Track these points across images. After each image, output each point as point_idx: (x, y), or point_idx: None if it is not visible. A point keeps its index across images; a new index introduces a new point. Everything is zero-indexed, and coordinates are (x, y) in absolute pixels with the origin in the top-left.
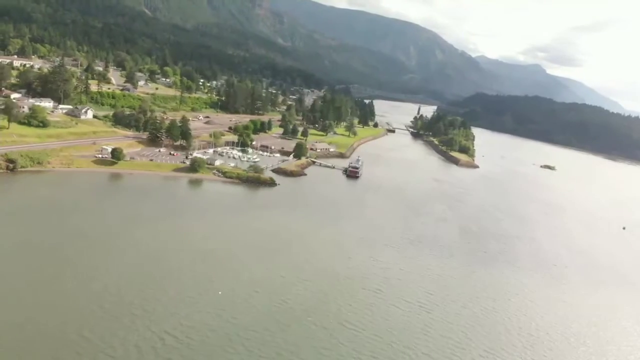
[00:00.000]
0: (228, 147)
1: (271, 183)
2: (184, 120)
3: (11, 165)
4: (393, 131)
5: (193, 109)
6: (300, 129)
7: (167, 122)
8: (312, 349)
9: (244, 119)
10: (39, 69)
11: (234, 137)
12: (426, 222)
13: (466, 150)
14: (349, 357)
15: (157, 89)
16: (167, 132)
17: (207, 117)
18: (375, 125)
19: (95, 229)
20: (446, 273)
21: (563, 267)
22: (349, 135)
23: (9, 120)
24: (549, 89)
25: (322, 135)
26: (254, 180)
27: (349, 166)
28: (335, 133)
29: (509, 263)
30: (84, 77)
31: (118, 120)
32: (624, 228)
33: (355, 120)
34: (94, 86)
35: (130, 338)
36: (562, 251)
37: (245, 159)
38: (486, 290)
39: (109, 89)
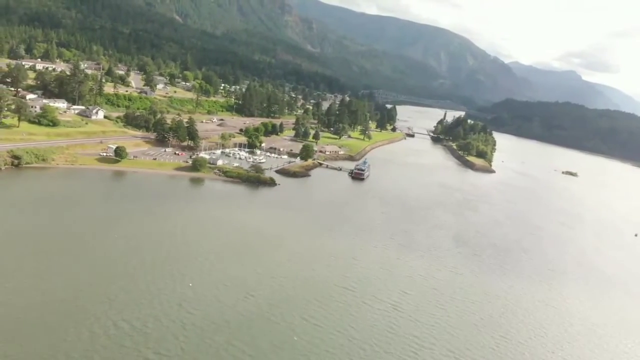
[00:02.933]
0: (236, 149)
1: (271, 183)
2: (191, 121)
3: (16, 161)
4: (412, 136)
5: (209, 112)
6: (312, 131)
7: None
8: (267, 341)
9: (258, 121)
10: (61, 71)
11: (244, 139)
12: (423, 225)
13: (484, 155)
14: (302, 349)
15: (175, 92)
16: (173, 133)
17: (222, 119)
18: (394, 129)
19: (80, 223)
20: (430, 275)
21: (560, 273)
22: (363, 139)
23: (19, 119)
24: (584, 95)
25: (335, 139)
26: (253, 179)
27: (355, 168)
28: (349, 136)
29: (501, 267)
30: (99, 79)
31: (129, 121)
32: (636, 235)
33: (373, 124)
34: (110, 89)
35: (86, 323)
36: (564, 257)
37: (251, 159)
38: (468, 293)
39: (126, 91)
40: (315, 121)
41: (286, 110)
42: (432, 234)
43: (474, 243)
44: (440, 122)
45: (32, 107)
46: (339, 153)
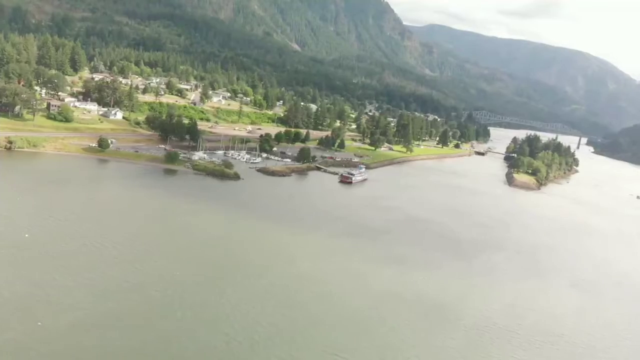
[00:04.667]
0: (244, 151)
1: (234, 177)
2: (193, 122)
3: (9, 145)
4: (483, 154)
5: (252, 122)
6: (338, 141)
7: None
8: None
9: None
10: (125, 84)
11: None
12: (406, 235)
13: (536, 172)
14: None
15: (229, 105)
16: (173, 132)
17: (260, 128)
18: (456, 146)
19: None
20: (405, 278)
21: (555, 276)
22: (405, 152)
23: (34, 114)
24: None
25: (370, 149)
26: (218, 173)
27: (345, 172)
28: (391, 149)
29: (490, 271)
30: (130, 88)
31: (149, 122)
32: None
33: (432, 141)
34: (150, 97)
35: None
36: (560, 261)
37: (244, 159)
38: (442, 293)
39: (175, 101)
40: (360, 133)
41: (335, 122)
42: (418, 245)
43: (468, 251)
44: (514, 140)
45: (54, 106)
46: (352, 161)
